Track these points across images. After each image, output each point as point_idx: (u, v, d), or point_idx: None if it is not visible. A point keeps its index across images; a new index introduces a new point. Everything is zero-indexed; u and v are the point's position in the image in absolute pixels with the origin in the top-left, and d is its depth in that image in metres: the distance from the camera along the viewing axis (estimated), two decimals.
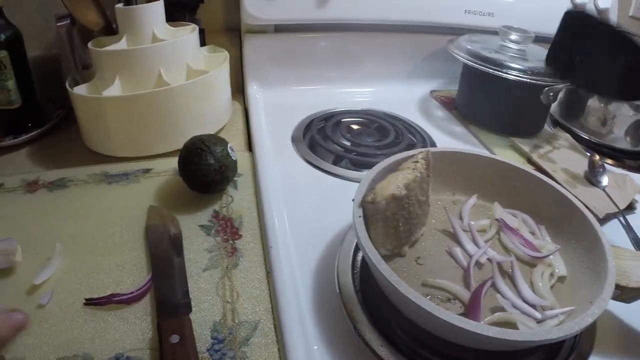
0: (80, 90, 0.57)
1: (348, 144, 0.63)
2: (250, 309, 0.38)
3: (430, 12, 0.75)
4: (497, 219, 0.46)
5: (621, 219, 0.57)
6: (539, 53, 0.75)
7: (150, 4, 0.58)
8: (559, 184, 0.63)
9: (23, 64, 0.62)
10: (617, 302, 0.38)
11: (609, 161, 0.74)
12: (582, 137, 0.78)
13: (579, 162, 0.69)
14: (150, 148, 0.56)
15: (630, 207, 0.60)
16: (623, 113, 0.76)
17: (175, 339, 0.34)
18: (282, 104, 0.73)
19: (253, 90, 0.75)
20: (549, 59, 0.65)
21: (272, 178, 0.53)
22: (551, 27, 0.87)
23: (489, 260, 0.41)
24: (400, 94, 0.81)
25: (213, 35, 0.75)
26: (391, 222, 0.39)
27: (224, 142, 0.49)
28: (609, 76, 0.59)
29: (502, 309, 0.36)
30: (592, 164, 0.69)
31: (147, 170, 0.56)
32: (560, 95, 0.82)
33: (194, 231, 0.47)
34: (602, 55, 0.58)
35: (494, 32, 0.76)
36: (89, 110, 0.56)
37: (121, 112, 0.55)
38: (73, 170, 0.56)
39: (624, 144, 0.78)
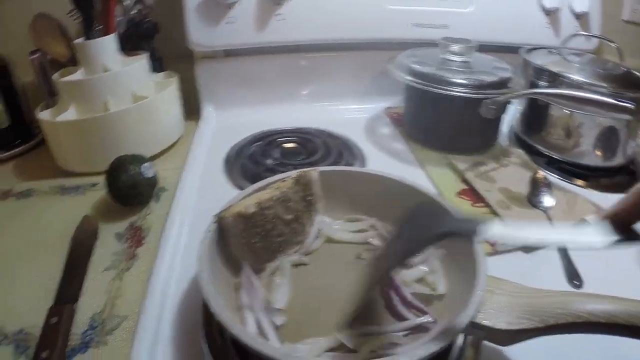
0: (44, 114, 0.71)
1: (272, 162, 0.71)
2: (124, 306, 0.49)
3: (376, 29, 0.82)
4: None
5: None
6: (484, 63, 0.76)
7: (102, 38, 0.71)
8: (489, 205, 0.66)
9: (11, 89, 0.79)
10: None
11: (579, 182, 0.73)
12: (543, 153, 0.79)
13: (527, 181, 0.69)
14: (99, 165, 0.67)
15: None
16: (592, 119, 0.73)
17: (54, 320, 0.45)
18: (233, 124, 0.83)
19: (208, 112, 0.86)
20: None
21: (187, 195, 0.64)
22: (513, 36, 0.89)
23: None
24: (353, 112, 0.88)
25: (175, 61, 0.87)
26: (242, 238, 0.48)
27: (140, 161, 0.61)
28: None
29: None
30: (534, 183, 0.69)
31: (94, 185, 0.69)
32: (521, 107, 0.83)
33: (109, 237, 0.58)
34: None
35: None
36: (49, 131, 0.71)
37: (72, 134, 0.69)
38: (40, 182, 0.71)
39: (593, 159, 0.77)
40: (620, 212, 0.29)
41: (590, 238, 0.30)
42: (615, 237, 0.29)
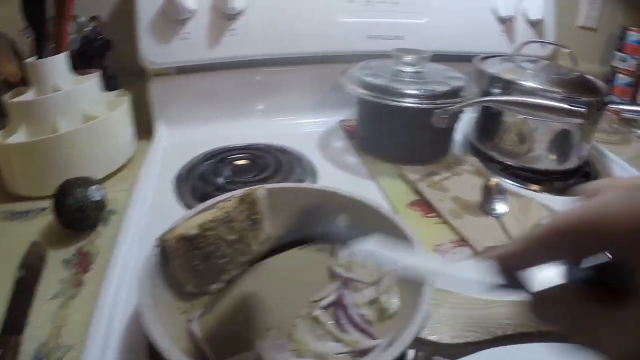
0: None
1: (223, 181, 0.71)
2: (70, 336, 0.48)
3: (329, 42, 0.83)
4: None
5: None
6: (437, 73, 0.77)
7: (52, 57, 0.71)
8: (440, 215, 0.67)
9: None
10: None
11: (534, 187, 0.75)
12: (497, 159, 0.80)
13: (480, 188, 0.70)
14: (49, 188, 0.65)
15: None
16: (545, 124, 0.75)
17: None
18: (186, 142, 0.83)
19: (160, 130, 0.85)
20: None
21: (137, 217, 0.63)
22: (468, 45, 0.91)
23: None
24: (308, 126, 0.89)
25: (128, 79, 0.87)
26: (185, 260, 0.48)
27: (88, 184, 0.61)
28: None
29: None
30: (486, 191, 0.70)
31: (43, 209, 0.68)
32: (475, 115, 0.85)
33: (56, 264, 0.58)
34: None
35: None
36: None
37: (21, 156, 0.68)
38: None
39: (548, 163, 0.78)
40: (509, 256, 0.26)
41: (470, 277, 0.27)
42: (497, 282, 0.27)
